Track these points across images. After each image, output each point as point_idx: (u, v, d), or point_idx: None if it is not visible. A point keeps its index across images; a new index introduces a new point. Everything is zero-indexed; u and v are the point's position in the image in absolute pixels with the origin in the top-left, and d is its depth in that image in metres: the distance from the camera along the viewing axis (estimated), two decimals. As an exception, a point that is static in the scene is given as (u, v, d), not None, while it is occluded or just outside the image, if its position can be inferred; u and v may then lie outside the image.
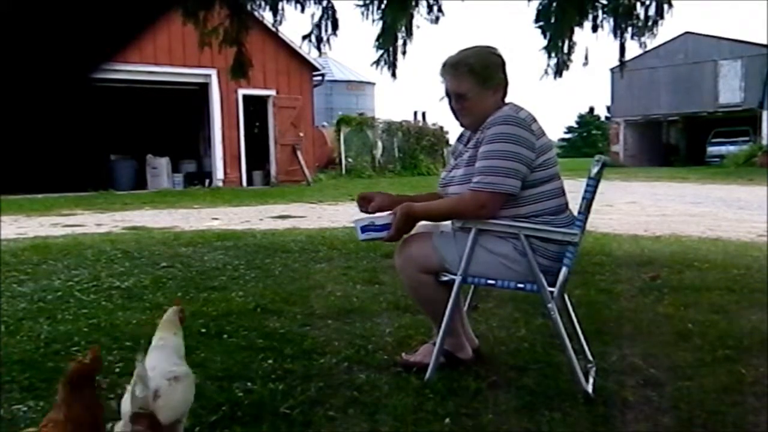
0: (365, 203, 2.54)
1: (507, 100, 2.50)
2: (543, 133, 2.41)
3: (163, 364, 1.67)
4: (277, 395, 2.26)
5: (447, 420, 2.08)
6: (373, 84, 25.88)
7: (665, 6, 5.16)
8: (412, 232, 2.48)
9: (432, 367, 2.39)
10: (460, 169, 2.46)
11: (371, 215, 2.47)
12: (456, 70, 2.45)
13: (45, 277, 4.42)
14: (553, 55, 5.27)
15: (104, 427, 1.59)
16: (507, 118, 2.36)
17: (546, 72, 5.36)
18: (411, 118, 24.06)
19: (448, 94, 2.50)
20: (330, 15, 5.61)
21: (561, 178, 2.46)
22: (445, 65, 2.48)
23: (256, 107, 18.02)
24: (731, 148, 27.06)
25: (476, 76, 2.41)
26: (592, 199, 2.38)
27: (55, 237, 6.87)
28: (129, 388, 1.58)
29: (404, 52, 5.48)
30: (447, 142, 24.18)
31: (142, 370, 1.55)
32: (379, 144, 22.17)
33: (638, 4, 5.24)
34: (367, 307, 3.51)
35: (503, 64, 2.48)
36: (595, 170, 2.37)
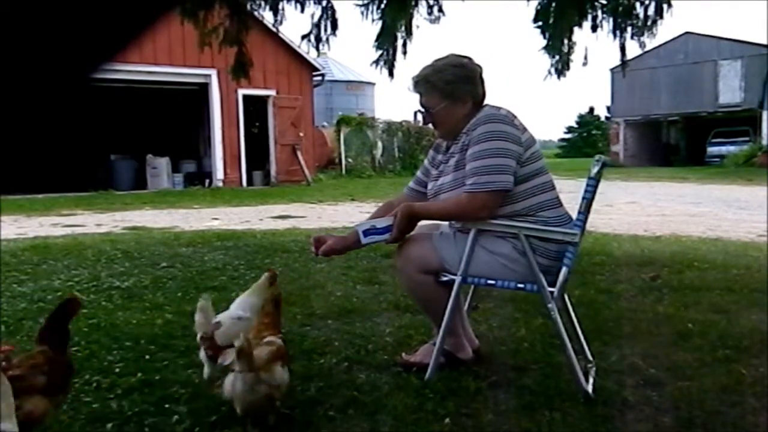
0: (318, 245, 2.53)
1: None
2: (525, 128, 2.43)
3: (233, 310, 2.31)
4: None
5: (447, 420, 2.08)
6: (373, 84, 25.89)
7: (665, 6, 5.17)
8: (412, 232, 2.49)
9: (432, 367, 2.39)
10: (448, 175, 2.47)
11: (372, 219, 2.49)
12: (420, 87, 2.51)
13: (45, 277, 4.42)
14: (552, 55, 5.27)
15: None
16: (490, 117, 2.39)
17: (549, 72, 5.37)
18: (411, 118, 24.00)
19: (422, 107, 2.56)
20: (330, 15, 5.61)
21: (549, 171, 2.48)
22: (412, 81, 2.52)
23: (256, 107, 18.01)
24: (731, 148, 27.05)
25: (439, 91, 2.46)
26: (592, 199, 2.38)
27: (55, 237, 6.87)
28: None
29: (405, 52, 5.49)
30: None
31: (204, 304, 2.23)
32: (379, 144, 22.16)
33: (638, 4, 5.24)
34: (367, 307, 3.51)
35: (472, 75, 2.48)
36: (595, 170, 2.37)
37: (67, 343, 1.94)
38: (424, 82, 2.49)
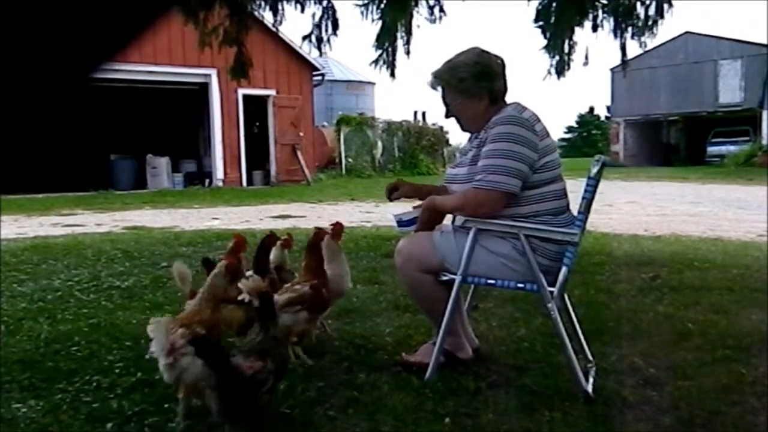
0: (392, 190, 2.61)
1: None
2: (547, 134, 2.41)
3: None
4: (277, 395, 2.26)
5: (447, 420, 2.08)
6: (373, 84, 25.86)
7: (665, 6, 5.16)
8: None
9: (432, 366, 2.39)
10: (463, 167, 2.49)
11: (403, 211, 2.55)
12: (436, 83, 2.54)
13: (45, 277, 4.42)
14: (553, 54, 5.27)
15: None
16: (510, 119, 2.38)
17: (549, 72, 5.36)
18: (411, 118, 24.05)
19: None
20: (330, 15, 5.61)
21: (564, 180, 2.47)
22: (431, 77, 2.55)
23: (256, 107, 18.00)
24: (731, 147, 27.03)
25: (453, 89, 2.49)
26: (592, 198, 2.38)
27: (55, 237, 6.87)
28: None
29: (408, 52, 5.49)
30: (447, 142, 24.17)
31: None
32: (379, 144, 22.15)
33: (638, 4, 5.24)
34: (367, 307, 3.51)
35: (488, 71, 2.47)
36: (595, 170, 2.37)
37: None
38: (439, 80, 2.52)
